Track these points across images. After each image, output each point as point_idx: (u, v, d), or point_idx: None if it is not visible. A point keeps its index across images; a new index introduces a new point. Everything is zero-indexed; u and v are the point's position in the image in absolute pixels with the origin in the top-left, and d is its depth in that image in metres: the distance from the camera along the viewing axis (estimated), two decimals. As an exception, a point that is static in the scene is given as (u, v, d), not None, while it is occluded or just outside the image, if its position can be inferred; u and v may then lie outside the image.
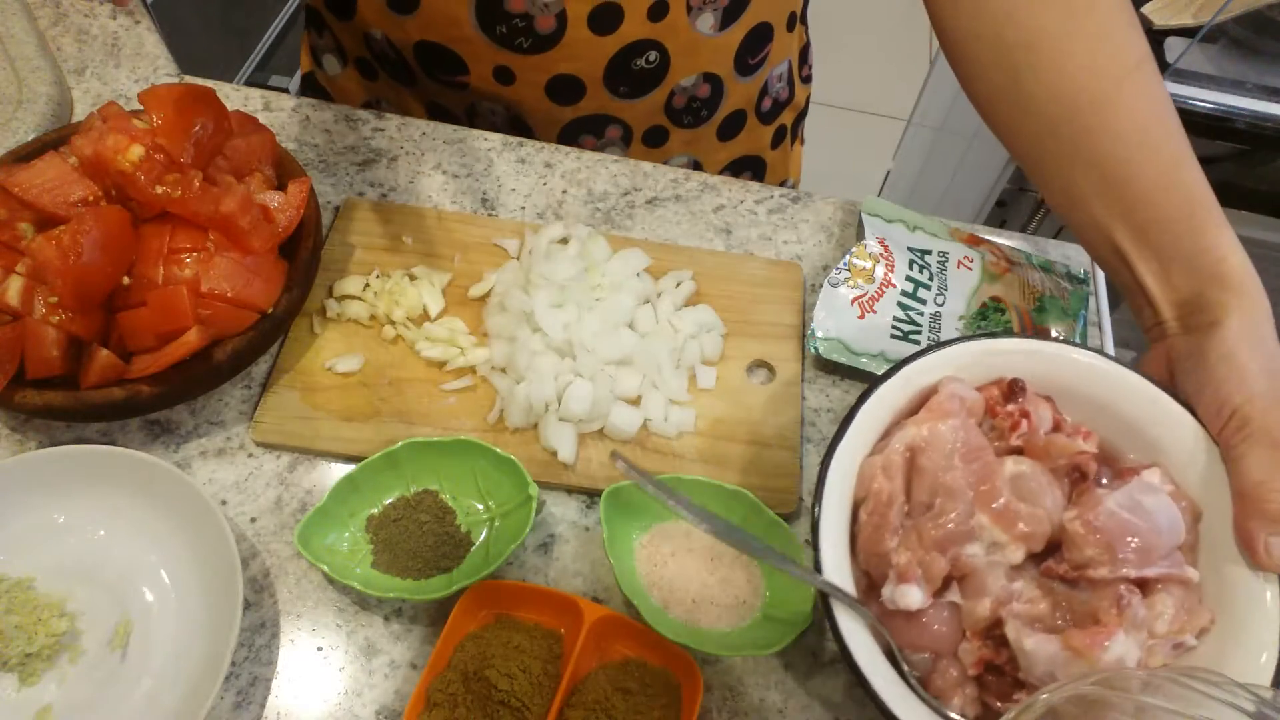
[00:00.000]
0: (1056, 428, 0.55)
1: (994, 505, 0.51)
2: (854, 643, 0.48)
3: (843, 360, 0.70)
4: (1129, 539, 0.48)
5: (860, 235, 0.76)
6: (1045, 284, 0.76)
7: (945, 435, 0.52)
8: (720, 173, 0.91)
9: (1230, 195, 1.12)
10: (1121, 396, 0.55)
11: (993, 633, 0.49)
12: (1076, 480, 0.53)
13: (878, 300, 0.72)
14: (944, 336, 0.72)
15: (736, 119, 0.89)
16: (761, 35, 0.84)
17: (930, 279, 0.74)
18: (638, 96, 0.81)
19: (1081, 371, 0.56)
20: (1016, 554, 0.50)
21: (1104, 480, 0.53)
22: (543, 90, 0.80)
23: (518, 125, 0.85)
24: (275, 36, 2.14)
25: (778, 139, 0.96)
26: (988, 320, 0.73)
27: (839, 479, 0.52)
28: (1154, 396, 0.55)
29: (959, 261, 0.75)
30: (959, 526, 0.50)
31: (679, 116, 0.85)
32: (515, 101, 0.82)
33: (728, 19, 0.79)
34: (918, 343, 0.71)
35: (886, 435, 0.54)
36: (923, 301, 0.73)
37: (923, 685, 0.50)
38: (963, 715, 0.49)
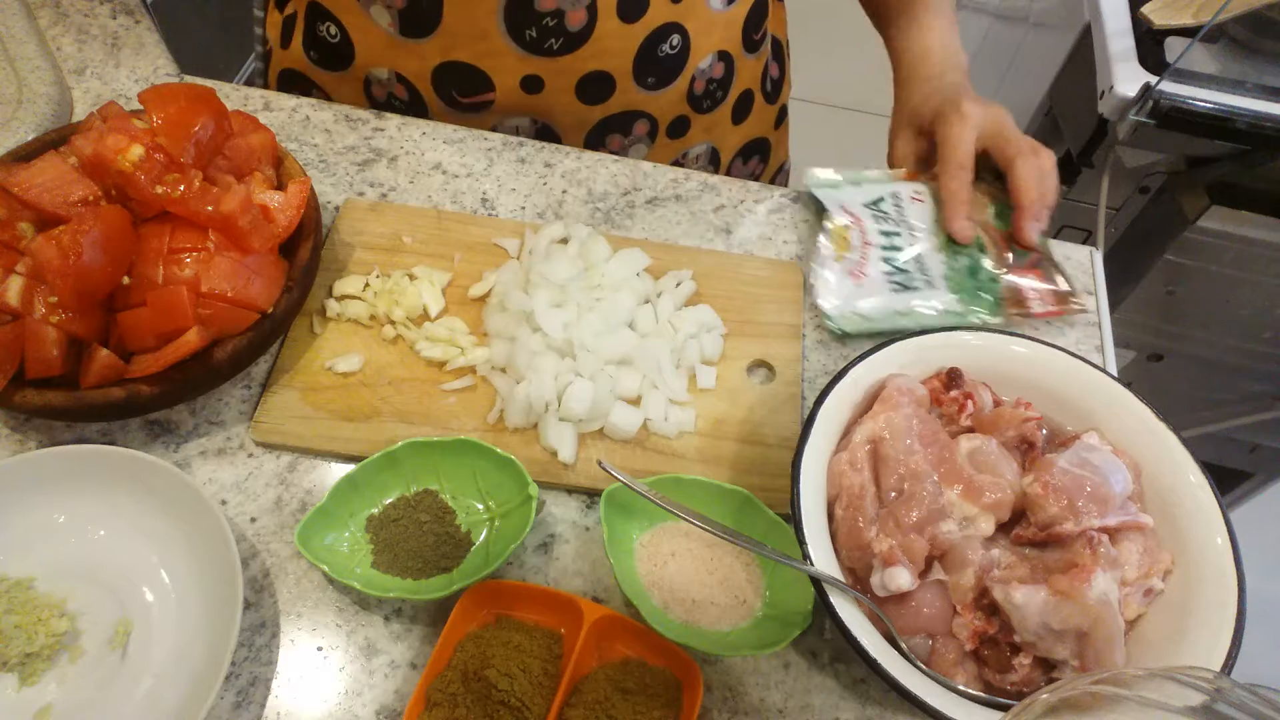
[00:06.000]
0: (997, 406, 0.59)
1: (959, 481, 0.54)
2: (858, 630, 0.49)
3: (864, 330, 0.71)
4: (1085, 489, 0.52)
5: (822, 210, 0.78)
6: (988, 190, 0.79)
7: (901, 424, 0.55)
8: (734, 158, 0.94)
9: (1230, 195, 1.11)
10: (1052, 376, 0.60)
11: (981, 603, 0.52)
12: (1026, 450, 0.57)
13: (865, 264, 0.74)
14: (931, 275, 0.74)
15: (746, 99, 0.91)
16: (760, 9, 0.87)
17: (896, 225, 0.76)
18: (664, 86, 0.82)
19: (1014, 357, 0.61)
20: (987, 525, 0.53)
21: (1049, 452, 0.56)
22: (572, 93, 0.80)
23: (545, 136, 0.85)
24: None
25: (780, 118, 0.99)
26: (964, 246, 0.75)
27: (810, 479, 0.54)
28: (1083, 373, 0.60)
29: (910, 197, 0.78)
30: (931, 506, 0.53)
31: (699, 102, 0.86)
32: (543, 111, 0.82)
33: None
34: (916, 289, 0.73)
35: (847, 434, 0.57)
36: (899, 249, 0.75)
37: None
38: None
